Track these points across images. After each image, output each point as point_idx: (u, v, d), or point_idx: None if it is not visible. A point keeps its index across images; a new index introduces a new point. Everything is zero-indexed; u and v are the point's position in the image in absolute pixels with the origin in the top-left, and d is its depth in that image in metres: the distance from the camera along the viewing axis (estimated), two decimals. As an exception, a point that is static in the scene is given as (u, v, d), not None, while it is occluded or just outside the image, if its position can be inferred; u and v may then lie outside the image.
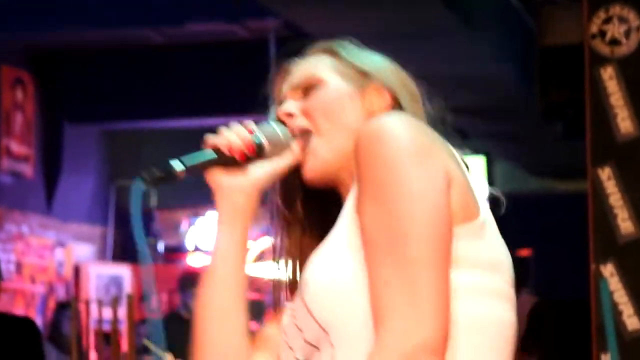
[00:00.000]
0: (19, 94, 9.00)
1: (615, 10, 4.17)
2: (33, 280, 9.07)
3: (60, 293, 9.27)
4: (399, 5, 5.70)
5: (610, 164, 4.12)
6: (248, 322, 1.70)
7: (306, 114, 1.68)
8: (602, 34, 4.17)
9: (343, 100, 1.69)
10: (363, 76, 1.71)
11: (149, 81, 8.40)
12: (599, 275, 4.06)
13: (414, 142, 1.53)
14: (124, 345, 5.15)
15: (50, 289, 9.24)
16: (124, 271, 9.58)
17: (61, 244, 9.47)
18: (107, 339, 5.34)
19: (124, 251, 9.75)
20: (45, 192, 9.31)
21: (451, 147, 1.62)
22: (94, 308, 5.86)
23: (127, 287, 9.41)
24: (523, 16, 7.02)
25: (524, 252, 9.36)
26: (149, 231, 9.20)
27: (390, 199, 1.52)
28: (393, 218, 1.51)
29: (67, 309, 8.05)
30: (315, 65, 1.72)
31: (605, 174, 4.11)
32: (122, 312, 4.96)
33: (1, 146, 8.84)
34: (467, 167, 1.63)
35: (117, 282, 9.49)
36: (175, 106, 8.45)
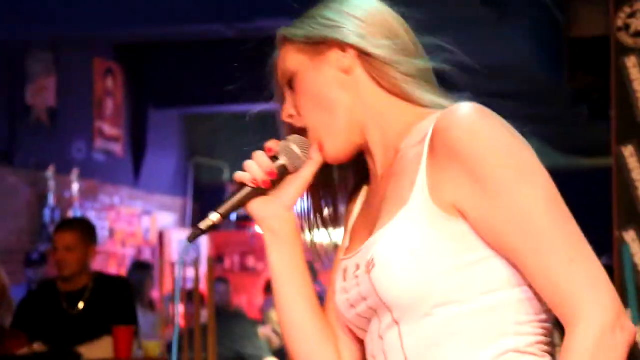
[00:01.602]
0: (110, 83, 9.05)
1: (638, 5, 4.12)
2: (124, 244, 9.15)
3: (147, 255, 9.36)
4: (440, 2, 5.65)
5: (633, 142, 4.06)
6: (321, 321, 1.57)
7: (302, 110, 1.54)
8: (627, 27, 4.11)
9: (318, 81, 1.52)
10: (319, 44, 1.52)
11: (222, 71, 8.41)
12: (622, 241, 4.02)
13: (509, 128, 1.43)
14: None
15: (138, 251, 9.33)
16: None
17: (147, 213, 9.54)
18: (189, 295, 5.36)
19: (202, 219, 9.78)
20: (133, 168, 9.38)
21: None
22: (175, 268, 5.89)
23: (204, 250, 9.47)
24: (552, 10, 6.93)
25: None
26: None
27: (542, 189, 1.39)
28: (556, 204, 1.39)
29: (146, 268, 8.15)
30: (289, 56, 1.55)
31: (629, 152, 4.06)
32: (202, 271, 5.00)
33: (95, 128, 8.91)
34: None
35: (195, 245, 9.55)
36: (245, 92, 8.47)
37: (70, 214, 8.14)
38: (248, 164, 1.53)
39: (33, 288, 6.24)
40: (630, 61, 4.08)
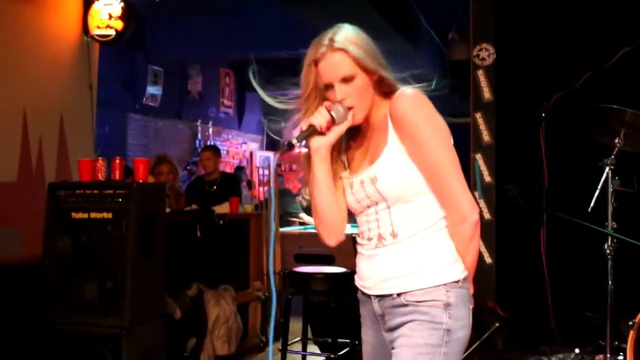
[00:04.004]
0: (227, 79, 8.97)
1: (483, 45, 4.05)
2: (233, 157, 9.11)
3: (244, 163, 9.38)
4: (377, 35, 5.53)
5: (480, 111, 4.03)
6: (335, 201, 1.42)
7: (351, 96, 1.36)
8: (478, 55, 4.06)
9: (365, 86, 1.36)
10: (367, 67, 1.36)
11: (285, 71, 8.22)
12: (475, 160, 4.04)
13: (431, 106, 1.34)
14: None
15: (240, 161, 9.35)
16: (270, 155, 9.60)
17: (244, 143, 9.54)
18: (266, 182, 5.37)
19: (272, 147, 9.79)
20: (237, 121, 9.33)
21: None
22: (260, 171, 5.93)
23: (273, 162, 9.40)
24: (442, 46, 6.81)
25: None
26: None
27: (444, 141, 1.32)
28: (449, 150, 1.32)
29: (243, 170, 8.20)
30: (349, 64, 1.34)
31: (479, 115, 4.04)
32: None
33: (220, 102, 8.85)
34: None
35: (268, 160, 9.58)
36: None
37: (209, 143, 8.17)
38: (317, 115, 1.36)
39: (190, 179, 6.29)
40: (480, 73, 4.04)
